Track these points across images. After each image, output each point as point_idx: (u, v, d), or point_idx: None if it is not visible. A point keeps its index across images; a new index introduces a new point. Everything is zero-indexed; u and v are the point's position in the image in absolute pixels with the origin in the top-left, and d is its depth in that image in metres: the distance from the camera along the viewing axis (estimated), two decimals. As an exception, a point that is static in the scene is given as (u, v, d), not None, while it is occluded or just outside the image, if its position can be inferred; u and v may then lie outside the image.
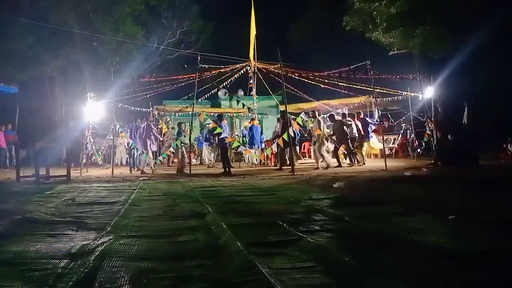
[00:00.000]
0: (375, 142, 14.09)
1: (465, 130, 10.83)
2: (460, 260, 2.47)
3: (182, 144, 11.74)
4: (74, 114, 13.13)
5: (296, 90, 15.72)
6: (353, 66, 13.20)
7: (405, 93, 13.89)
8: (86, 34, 15.83)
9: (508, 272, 2.21)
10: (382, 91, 13.91)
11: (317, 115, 11.92)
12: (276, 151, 12.59)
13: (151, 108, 15.33)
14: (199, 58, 12.32)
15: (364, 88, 14.00)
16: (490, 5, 9.50)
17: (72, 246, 3.04)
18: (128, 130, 12.74)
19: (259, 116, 17.22)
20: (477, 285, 2.05)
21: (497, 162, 11.71)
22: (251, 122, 14.04)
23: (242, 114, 18.06)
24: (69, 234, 3.55)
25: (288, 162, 11.57)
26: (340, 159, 12.17)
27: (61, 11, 15.59)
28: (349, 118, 12.48)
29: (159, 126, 14.93)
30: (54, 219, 4.35)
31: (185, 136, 11.82)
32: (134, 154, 12.48)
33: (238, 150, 12.67)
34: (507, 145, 13.07)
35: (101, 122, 14.37)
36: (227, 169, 10.90)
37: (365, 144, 13.20)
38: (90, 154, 13.97)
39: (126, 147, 13.29)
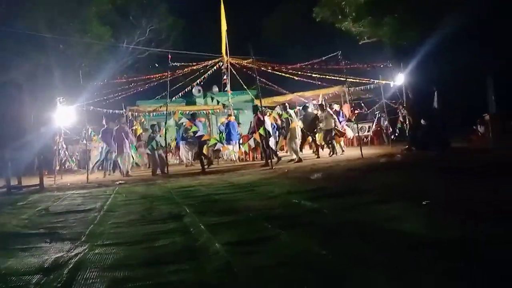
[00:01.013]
0: (348, 132, 14.18)
1: (436, 114, 11.08)
2: (437, 248, 2.50)
3: (158, 146, 11.52)
4: (44, 120, 12.75)
5: (270, 83, 15.72)
6: (325, 57, 13.29)
7: (377, 81, 14.09)
8: (53, 38, 15.34)
9: (482, 261, 2.26)
10: (355, 80, 14.06)
11: (288, 108, 11.97)
12: (254, 146, 12.58)
13: (124, 110, 15.01)
14: (169, 56, 12.14)
15: (337, 78, 14.13)
16: None
17: (45, 259, 2.95)
18: (101, 134, 12.47)
19: (235, 111, 17.13)
20: (454, 273, 2.08)
21: (468, 144, 12.05)
22: (228, 118, 13.97)
23: (217, 110, 17.94)
24: (42, 247, 3.45)
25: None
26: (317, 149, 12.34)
27: (26, 15, 15.05)
28: (329, 109, 12.55)
29: (134, 128, 14.65)
30: (26, 232, 4.22)
31: (160, 136, 11.61)
32: (109, 158, 12.23)
33: (216, 148, 12.59)
34: (477, 127, 13.47)
35: (73, 127, 14.00)
36: (204, 167, 10.90)
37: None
38: (63, 161, 13.62)
39: (100, 150, 12.97)
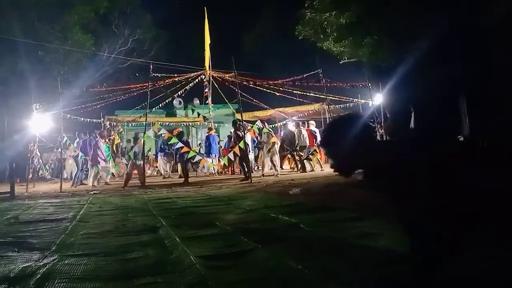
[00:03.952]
0: None
1: (413, 134, 11.32)
2: (408, 263, 2.53)
3: (136, 157, 11.35)
4: (18, 127, 12.40)
5: (251, 98, 15.83)
6: (306, 75, 13.51)
7: (356, 100, 14.37)
8: (31, 43, 15.06)
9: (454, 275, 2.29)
10: (335, 98, 14.31)
11: (266, 125, 12.15)
12: (233, 160, 12.57)
13: (102, 119, 14.78)
14: (151, 66, 12.10)
15: (318, 95, 14.34)
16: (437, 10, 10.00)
17: (12, 269, 2.83)
18: (80, 143, 12.22)
19: (216, 124, 17.12)
20: None
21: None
22: (208, 132, 13.94)
23: (198, 123, 17.89)
24: (9, 256, 3.31)
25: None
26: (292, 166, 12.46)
27: (4, 18, 14.75)
28: (301, 127, 12.74)
29: (111, 137, 14.42)
30: (-7, 240, 4.05)
31: (138, 147, 11.45)
32: (83, 168, 11.97)
33: (195, 160, 12.51)
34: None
35: (49, 135, 13.67)
36: (186, 179, 10.89)
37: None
38: (37, 169, 13.24)
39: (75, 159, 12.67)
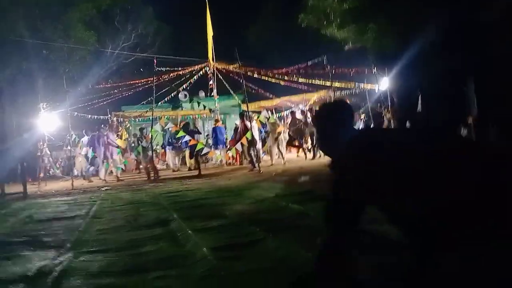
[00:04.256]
0: None
1: (420, 118, 11.24)
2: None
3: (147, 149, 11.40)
4: (27, 126, 12.54)
5: (257, 88, 15.78)
6: (310, 62, 13.42)
7: (362, 85, 14.27)
8: (36, 42, 15.13)
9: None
10: (340, 85, 14.22)
11: (271, 114, 12.18)
12: (241, 150, 12.59)
13: (109, 115, 14.88)
14: (155, 61, 12.11)
15: (323, 83, 14.27)
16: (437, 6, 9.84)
17: (29, 268, 2.90)
18: (88, 139, 12.32)
19: (222, 116, 17.12)
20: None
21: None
22: (215, 123, 13.96)
23: (204, 115, 17.91)
24: (26, 255, 3.39)
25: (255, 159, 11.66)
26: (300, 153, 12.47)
27: (7, 19, 14.81)
28: (308, 114, 12.68)
29: (119, 133, 14.52)
30: (10, 240, 4.14)
31: (146, 142, 11.49)
32: (95, 164, 12.09)
33: (203, 152, 12.56)
34: (461, 129, 13.70)
35: (57, 133, 13.81)
36: (199, 171, 10.95)
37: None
38: (48, 167, 13.40)
39: (86, 156, 12.81)
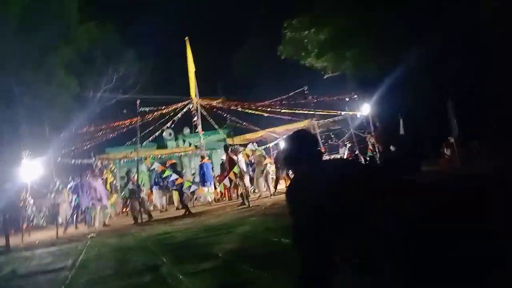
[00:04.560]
0: None
1: (403, 141, 11.42)
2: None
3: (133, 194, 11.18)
4: (9, 175, 12.23)
5: (241, 122, 15.89)
6: (292, 93, 13.65)
7: (344, 112, 14.50)
8: (17, 90, 15.04)
9: None
10: (323, 113, 14.43)
11: (257, 146, 12.24)
12: (230, 185, 12.47)
13: (93, 159, 14.66)
14: (138, 102, 12.12)
15: (306, 112, 14.46)
16: (420, 30, 10.19)
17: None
18: (73, 186, 12.07)
19: (208, 151, 17.08)
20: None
21: (436, 167, 12.37)
22: (201, 160, 13.89)
23: (190, 152, 17.83)
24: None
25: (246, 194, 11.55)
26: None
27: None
28: None
29: (104, 177, 14.27)
30: (-9, 300, 3.93)
31: (133, 184, 11.29)
32: (79, 211, 11.78)
33: (191, 190, 12.41)
34: (443, 150, 13.89)
35: (41, 180, 13.49)
36: (187, 210, 10.77)
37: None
38: (31, 217, 12.99)
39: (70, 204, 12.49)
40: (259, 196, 11.39)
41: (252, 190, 14.01)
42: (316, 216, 1.63)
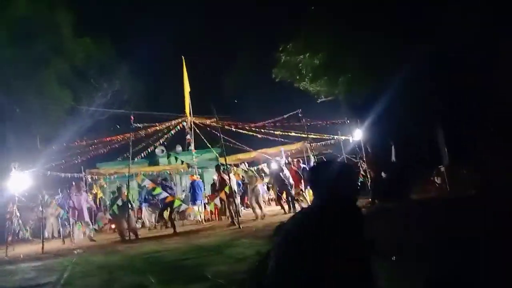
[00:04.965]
0: None
1: (395, 167, 11.51)
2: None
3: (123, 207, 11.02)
4: (-4, 188, 12.05)
5: (234, 141, 15.90)
6: (286, 115, 13.76)
7: (336, 137, 14.63)
8: (7, 101, 14.95)
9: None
10: (316, 136, 14.54)
11: (248, 167, 12.20)
12: (220, 206, 12.36)
13: (83, 173, 14.48)
14: (132, 118, 12.11)
15: (299, 134, 14.55)
16: (406, 48, 10.41)
17: None
18: (60, 200, 11.93)
19: (200, 170, 17.00)
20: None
21: (427, 195, 12.46)
22: (191, 177, 13.82)
23: (182, 170, 17.74)
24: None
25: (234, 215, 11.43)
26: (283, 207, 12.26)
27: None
28: (283, 167, 12.66)
29: (94, 192, 14.10)
30: (-29, 316, 3.82)
31: (122, 200, 11.13)
32: (67, 225, 11.60)
33: (181, 209, 12.29)
34: (434, 178, 14.03)
35: (29, 193, 13.28)
36: (174, 229, 10.67)
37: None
38: (17, 230, 12.71)
39: (58, 217, 12.31)
40: (256, 218, 11.22)
41: (242, 209, 13.91)
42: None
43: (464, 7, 8.97)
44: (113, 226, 13.41)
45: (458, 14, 9.02)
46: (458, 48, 9.49)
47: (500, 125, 9.40)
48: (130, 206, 11.28)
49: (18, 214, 12.40)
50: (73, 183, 12.12)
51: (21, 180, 11.80)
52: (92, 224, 12.10)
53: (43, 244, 10.18)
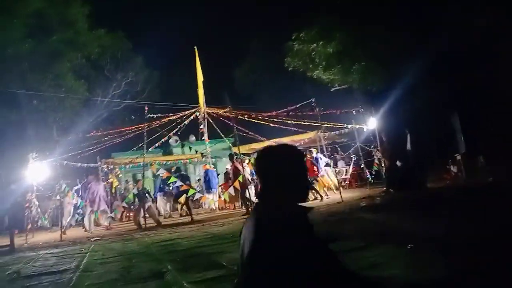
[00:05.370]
0: (330, 175, 14.11)
1: (410, 155, 11.39)
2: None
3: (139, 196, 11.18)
4: (15, 177, 12.33)
5: (247, 131, 15.90)
6: (299, 105, 13.67)
7: (350, 125, 14.51)
8: (25, 93, 15.19)
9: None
10: (329, 125, 14.44)
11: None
12: (234, 195, 12.43)
13: (99, 163, 14.71)
14: (146, 108, 12.20)
15: (312, 124, 14.47)
16: (419, 42, 10.26)
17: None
18: (78, 188, 12.18)
19: (213, 159, 17.09)
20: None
21: (442, 183, 12.33)
22: (204, 167, 13.91)
23: (195, 160, 17.87)
24: (13, 316, 3.23)
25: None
26: None
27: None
28: None
29: (109, 180, 14.32)
30: (-4, 299, 3.96)
31: (138, 189, 11.30)
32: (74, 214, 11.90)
33: (195, 198, 12.41)
34: (450, 166, 13.86)
35: (47, 183, 13.57)
36: (192, 215, 10.82)
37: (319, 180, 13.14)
38: (35, 218, 13.04)
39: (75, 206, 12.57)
40: None
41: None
42: None
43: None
44: (129, 214, 13.65)
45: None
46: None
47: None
48: (148, 195, 11.40)
49: (37, 203, 12.70)
50: (92, 173, 12.32)
51: (39, 170, 12.06)
52: (110, 213, 12.33)
53: (61, 232, 10.43)
